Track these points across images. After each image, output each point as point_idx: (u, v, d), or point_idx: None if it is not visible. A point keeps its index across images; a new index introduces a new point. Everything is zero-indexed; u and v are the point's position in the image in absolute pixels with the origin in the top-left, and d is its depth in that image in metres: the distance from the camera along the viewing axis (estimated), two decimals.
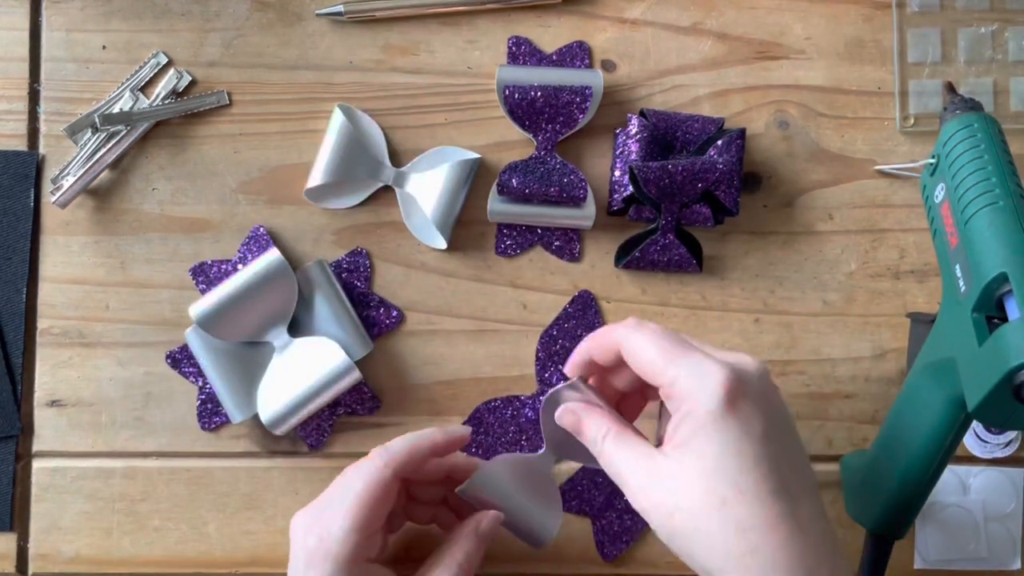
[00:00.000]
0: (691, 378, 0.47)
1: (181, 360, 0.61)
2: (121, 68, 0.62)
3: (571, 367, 0.54)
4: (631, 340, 0.50)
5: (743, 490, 0.46)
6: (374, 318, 0.61)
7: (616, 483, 0.50)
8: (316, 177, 0.61)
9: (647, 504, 0.48)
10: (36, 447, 0.61)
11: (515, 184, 0.60)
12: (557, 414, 0.53)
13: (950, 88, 0.57)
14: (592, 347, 0.53)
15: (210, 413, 0.61)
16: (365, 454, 0.61)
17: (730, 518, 0.46)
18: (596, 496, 0.61)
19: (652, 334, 0.49)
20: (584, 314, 0.61)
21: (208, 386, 0.61)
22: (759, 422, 0.47)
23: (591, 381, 0.54)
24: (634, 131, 0.61)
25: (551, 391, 0.53)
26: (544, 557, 0.61)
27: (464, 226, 0.62)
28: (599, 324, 0.61)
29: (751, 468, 0.46)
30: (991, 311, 0.48)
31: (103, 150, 0.61)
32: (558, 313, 0.62)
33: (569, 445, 0.53)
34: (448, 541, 0.54)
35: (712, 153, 0.60)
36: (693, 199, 0.60)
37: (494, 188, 0.61)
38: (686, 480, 0.47)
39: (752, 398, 0.47)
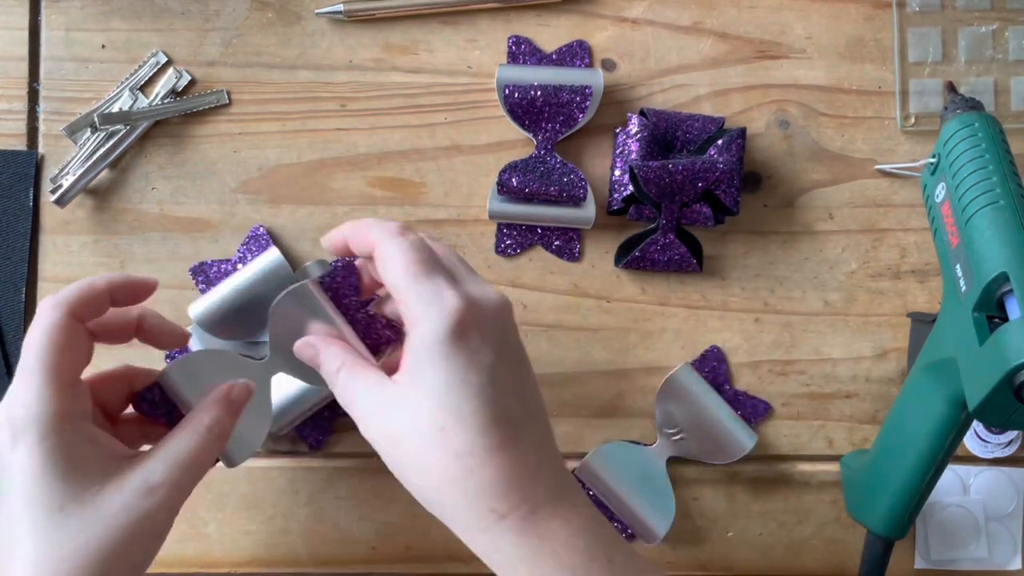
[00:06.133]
0: (423, 304, 0.46)
1: None
2: (120, 67, 0.62)
3: (329, 242, 0.51)
4: (384, 247, 0.48)
5: (462, 417, 0.45)
6: None
7: (351, 416, 0.48)
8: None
9: (374, 433, 0.47)
10: None
11: (515, 183, 0.60)
12: (297, 346, 0.50)
13: (951, 87, 0.57)
14: (350, 236, 0.50)
15: None
16: (365, 454, 0.61)
17: (448, 445, 0.45)
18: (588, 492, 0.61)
19: (405, 248, 0.48)
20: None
21: None
22: (488, 353, 0.46)
23: (358, 263, 0.51)
24: (634, 130, 0.61)
25: (289, 289, 0.50)
26: None
27: (465, 225, 0.62)
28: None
29: (472, 396, 0.46)
30: (991, 311, 0.48)
31: (102, 149, 0.61)
32: None
33: (295, 362, 0.51)
34: (197, 407, 0.50)
35: (712, 152, 0.60)
36: (693, 198, 0.60)
37: (494, 188, 0.61)
38: (411, 408, 0.46)
39: (483, 329, 0.47)
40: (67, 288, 0.49)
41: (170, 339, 0.53)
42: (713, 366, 0.62)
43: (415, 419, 0.46)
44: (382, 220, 0.50)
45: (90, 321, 0.49)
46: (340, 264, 0.51)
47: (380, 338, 0.52)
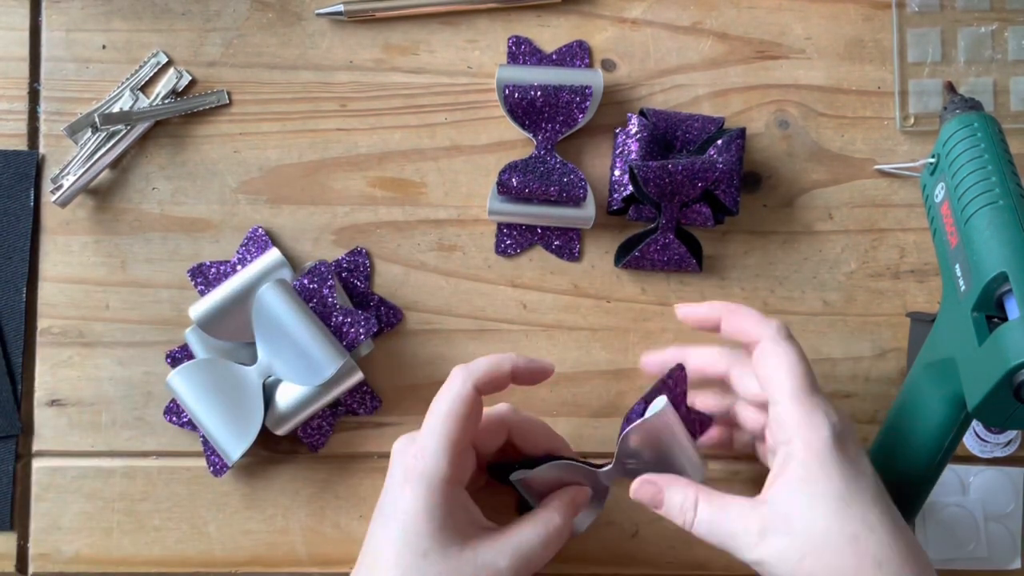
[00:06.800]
0: (809, 419, 0.49)
1: (181, 360, 0.61)
2: (121, 68, 0.62)
3: (692, 314, 0.56)
4: (771, 350, 0.51)
5: (872, 526, 0.48)
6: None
7: (721, 547, 0.50)
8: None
9: (769, 555, 0.48)
10: (36, 447, 0.61)
11: (515, 183, 0.60)
12: (635, 486, 0.53)
13: (950, 88, 0.57)
14: (726, 317, 0.54)
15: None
16: (365, 454, 0.61)
17: (866, 554, 0.47)
18: None
19: (795, 360, 0.51)
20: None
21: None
22: (867, 463, 0.50)
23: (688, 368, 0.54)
24: (634, 130, 0.61)
25: (640, 421, 0.52)
26: None
27: (465, 225, 0.62)
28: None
29: (872, 504, 0.48)
30: (991, 310, 0.48)
31: (103, 150, 0.61)
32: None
33: (642, 467, 0.53)
34: (544, 505, 0.54)
35: (712, 152, 0.60)
36: (693, 198, 0.60)
37: (494, 188, 0.61)
38: (811, 521, 0.48)
39: (855, 442, 0.50)
40: (479, 363, 0.53)
41: (540, 375, 0.55)
42: None
43: (821, 534, 0.48)
44: (760, 314, 0.53)
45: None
46: (677, 373, 0.53)
47: (694, 429, 0.54)
